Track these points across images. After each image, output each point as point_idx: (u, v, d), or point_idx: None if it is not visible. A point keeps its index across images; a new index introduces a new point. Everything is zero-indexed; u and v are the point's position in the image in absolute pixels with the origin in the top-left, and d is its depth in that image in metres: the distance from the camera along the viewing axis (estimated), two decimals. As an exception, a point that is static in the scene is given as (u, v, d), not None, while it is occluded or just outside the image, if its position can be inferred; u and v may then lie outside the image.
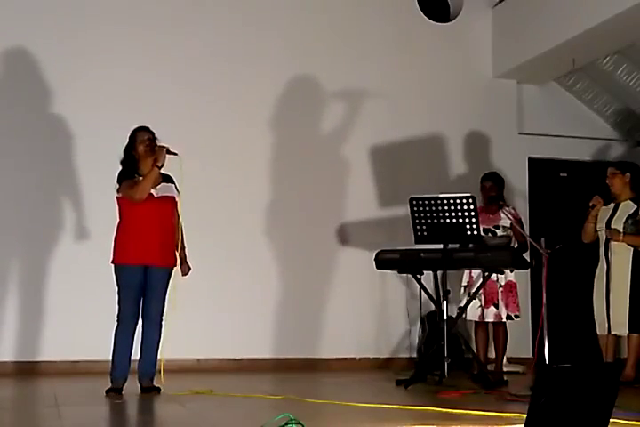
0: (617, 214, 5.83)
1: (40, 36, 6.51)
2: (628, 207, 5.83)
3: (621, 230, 5.72)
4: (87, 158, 6.48)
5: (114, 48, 6.66)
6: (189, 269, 5.21)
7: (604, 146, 8.04)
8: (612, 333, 5.71)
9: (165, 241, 5.04)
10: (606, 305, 5.69)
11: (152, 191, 5.00)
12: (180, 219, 5.15)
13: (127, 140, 5.10)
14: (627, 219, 5.77)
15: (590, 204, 5.86)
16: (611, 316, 5.68)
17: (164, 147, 4.98)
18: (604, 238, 5.80)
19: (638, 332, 5.69)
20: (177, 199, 5.14)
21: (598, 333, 5.81)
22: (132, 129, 5.13)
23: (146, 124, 5.14)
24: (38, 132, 6.50)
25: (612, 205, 5.89)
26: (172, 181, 5.15)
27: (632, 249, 5.72)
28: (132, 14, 6.77)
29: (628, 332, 5.71)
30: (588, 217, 5.89)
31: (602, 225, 5.83)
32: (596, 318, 5.83)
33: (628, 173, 5.89)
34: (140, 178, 4.97)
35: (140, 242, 4.93)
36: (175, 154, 4.96)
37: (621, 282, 5.70)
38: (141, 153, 5.04)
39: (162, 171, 5.05)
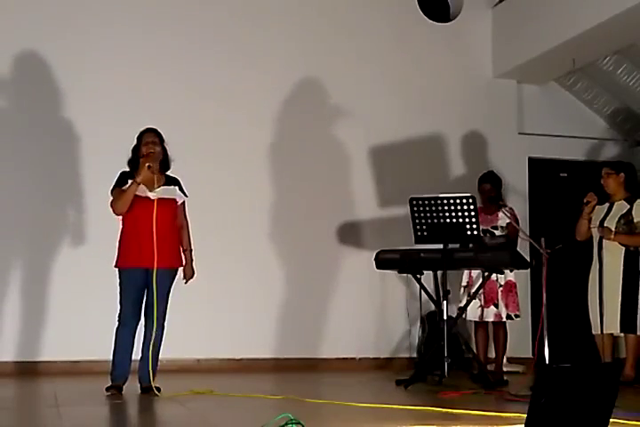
0: (611, 214, 5.85)
1: (41, 37, 6.51)
2: (621, 207, 5.85)
3: (613, 229, 5.74)
4: (89, 159, 6.49)
5: (115, 48, 6.66)
6: (193, 273, 5.19)
7: (604, 146, 8.04)
8: (605, 332, 5.72)
9: (165, 243, 5.02)
10: (599, 304, 5.71)
11: (149, 194, 5.01)
12: (188, 221, 5.19)
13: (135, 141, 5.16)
14: (619, 218, 5.79)
15: (585, 200, 5.87)
16: (604, 315, 5.70)
17: (147, 163, 4.95)
18: (598, 237, 5.83)
19: (633, 332, 5.71)
20: (180, 202, 5.15)
21: (593, 332, 5.83)
22: (141, 130, 5.17)
23: (152, 126, 5.17)
24: (39, 134, 6.49)
25: (607, 204, 5.91)
26: (177, 184, 5.15)
27: (624, 249, 5.74)
28: (134, 15, 6.77)
29: (619, 331, 5.74)
30: (582, 214, 5.91)
31: (596, 224, 5.84)
32: (590, 317, 5.85)
33: (622, 174, 5.91)
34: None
35: (139, 245, 4.93)
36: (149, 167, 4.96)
37: (614, 281, 5.72)
38: (142, 155, 5.07)
39: (168, 173, 5.14)
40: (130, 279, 4.96)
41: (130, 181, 4.97)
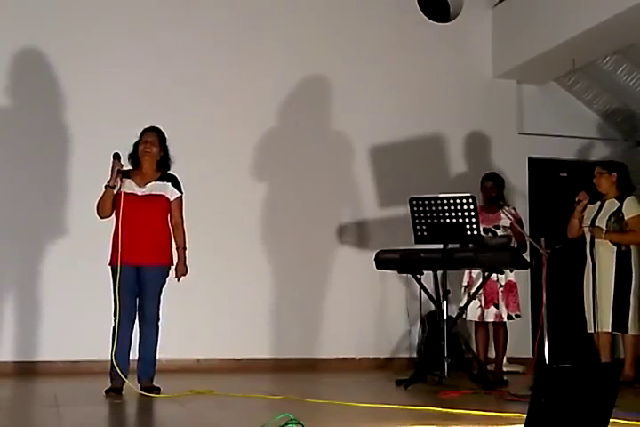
0: (602, 212, 5.86)
1: (40, 36, 6.51)
2: (612, 205, 5.86)
3: (604, 228, 5.74)
4: (86, 159, 6.47)
5: (114, 48, 6.66)
6: (186, 270, 5.13)
7: (604, 146, 8.03)
8: (599, 330, 5.72)
9: (155, 240, 5.02)
10: (593, 303, 5.71)
11: (137, 191, 5.03)
12: (183, 219, 5.16)
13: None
14: (609, 217, 5.80)
15: (576, 199, 5.89)
16: (597, 313, 5.70)
17: (118, 168, 4.98)
18: (590, 236, 5.83)
19: (625, 331, 5.73)
20: (173, 198, 5.12)
21: (588, 330, 5.83)
22: (145, 127, 5.22)
23: (155, 125, 5.21)
24: (39, 133, 6.49)
25: (599, 203, 5.91)
26: (172, 181, 5.14)
27: (615, 248, 5.75)
28: (133, 15, 6.77)
29: (610, 330, 5.74)
30: (574, 212, 5.92)
31: (587, 222, 5.85)
32: (586, 315, 5.86)
33: (614, 173, 5.92)
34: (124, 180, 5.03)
35: (128, 242, 4.92)
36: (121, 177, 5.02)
37: (606, 280, 5.73)
38: (140, 153, 5.12)
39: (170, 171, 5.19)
40: (121, 277, 4.92)
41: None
